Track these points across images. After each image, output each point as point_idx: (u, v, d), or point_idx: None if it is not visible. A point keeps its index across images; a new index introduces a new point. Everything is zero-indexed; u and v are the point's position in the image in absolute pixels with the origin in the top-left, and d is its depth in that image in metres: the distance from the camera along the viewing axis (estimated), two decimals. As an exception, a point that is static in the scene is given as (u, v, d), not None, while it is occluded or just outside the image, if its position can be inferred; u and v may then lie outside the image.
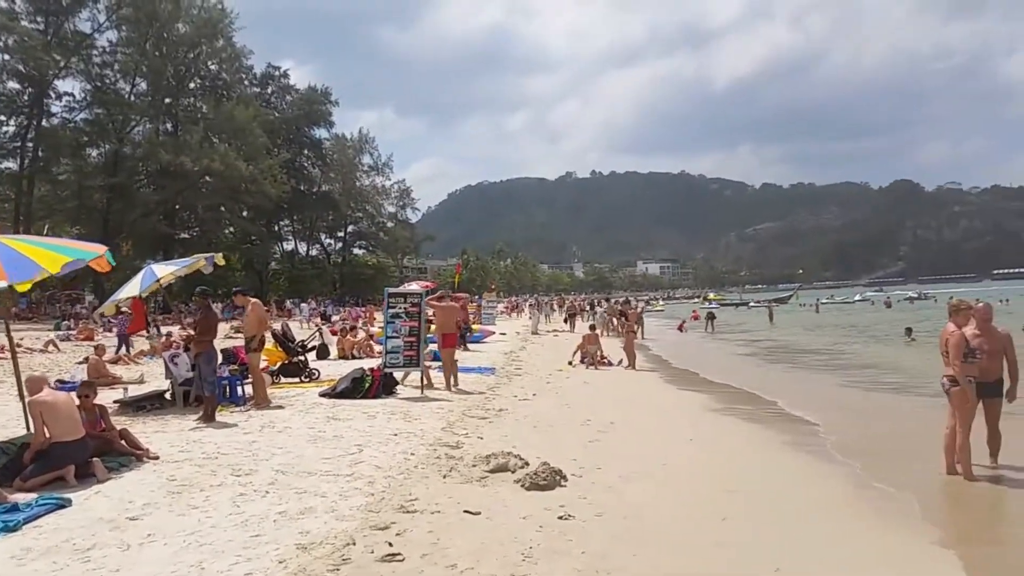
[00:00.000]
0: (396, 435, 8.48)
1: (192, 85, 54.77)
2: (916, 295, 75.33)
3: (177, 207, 52.71)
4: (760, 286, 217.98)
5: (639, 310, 30.10)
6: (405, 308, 12.08)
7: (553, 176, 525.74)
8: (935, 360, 7.90)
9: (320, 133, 72.27)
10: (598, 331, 20.66)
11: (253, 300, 11.23)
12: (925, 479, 7.33)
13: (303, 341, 15.75)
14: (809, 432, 9.86)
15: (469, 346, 21.99)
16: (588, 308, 50.50)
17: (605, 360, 18.74)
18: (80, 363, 15.72)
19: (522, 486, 6.34)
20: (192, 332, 10.68)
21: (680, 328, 38.73)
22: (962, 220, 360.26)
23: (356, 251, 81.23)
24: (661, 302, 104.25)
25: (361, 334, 20.91)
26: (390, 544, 4.81)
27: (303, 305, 46.15)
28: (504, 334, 29.30)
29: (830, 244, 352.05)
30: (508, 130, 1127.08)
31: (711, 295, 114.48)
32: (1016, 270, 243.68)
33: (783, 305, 70.44)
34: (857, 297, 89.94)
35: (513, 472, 6.74)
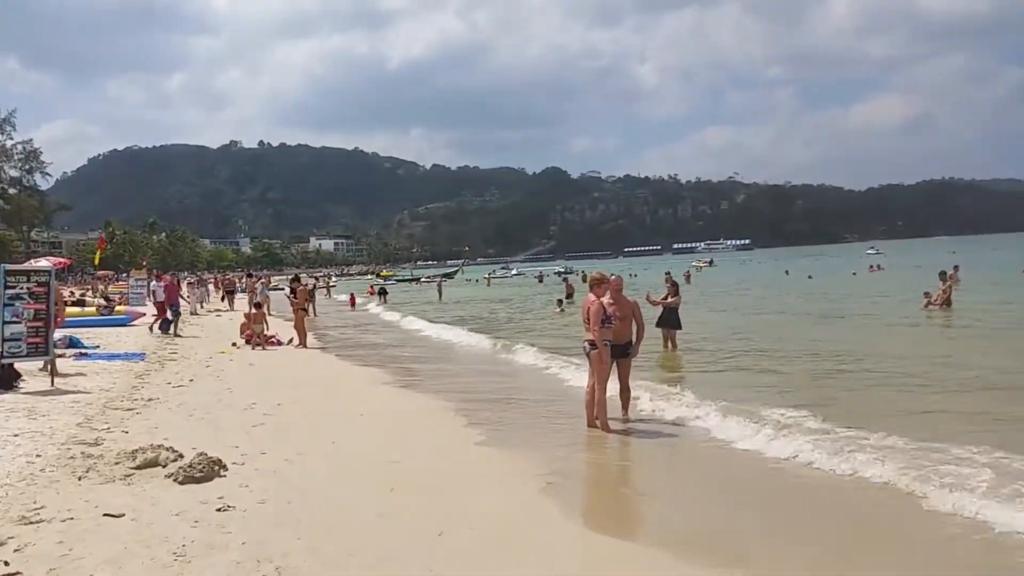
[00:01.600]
0: (17, 436, 7.26)
1: None
2: (563, 270, 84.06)
3: None
4: (431, 262, 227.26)
5: (309, 286, 29.45)
6: (29, 288, 10.34)
7: (216, 144, 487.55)
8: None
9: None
10: (264, 309, 19.83)
11: None
12: (566, 434, 8.25)
13: None
14: (464, 400, 10.42)
15: (110, 331, 19.69)
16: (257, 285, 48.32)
17: (273, 339, 18.07)
18: None
19: (175, 480, 5.85)
20: None
21: (351, 303, 38.85)
22: (600, 205, 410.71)
23: (-32, 222, 68.33)
24: (334, 278, 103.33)
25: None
26: (6, 563, 4.13)
27: None
28: (156, 315, 26.71)
29: (492, 224, 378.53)
30: (164, 92, 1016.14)
31: (384, 271, 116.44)
32: (642, 248, 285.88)
33: (451, 280, 74.19)
34: (514, 272, 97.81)
35: (164, 466, 6.19)
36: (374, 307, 37.17)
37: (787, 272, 55.54)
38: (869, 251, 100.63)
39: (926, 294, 21.25)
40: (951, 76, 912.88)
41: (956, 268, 22.64)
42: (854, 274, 49.00)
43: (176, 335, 19.55)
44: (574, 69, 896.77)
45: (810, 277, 47.48)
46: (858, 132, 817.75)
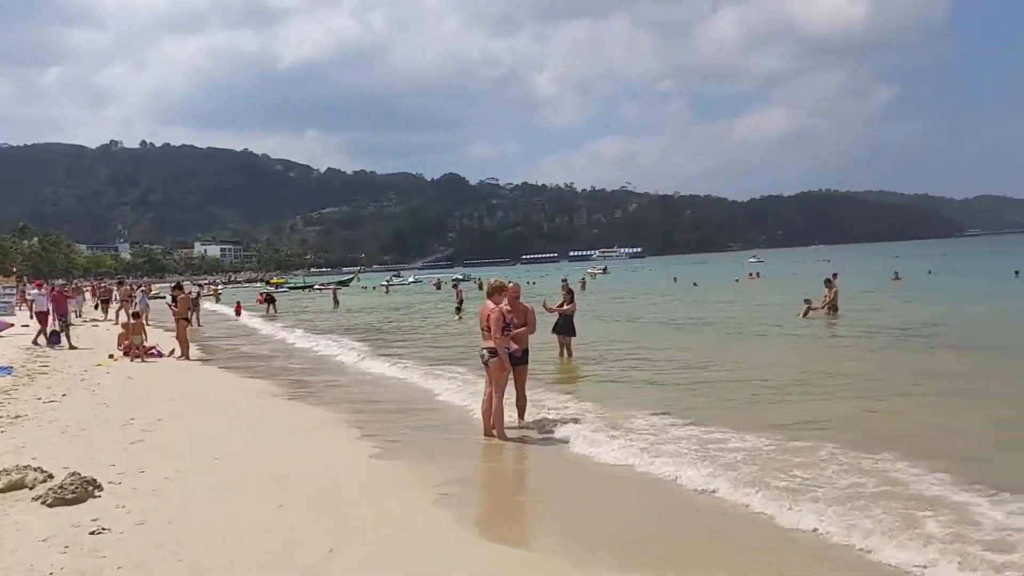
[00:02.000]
0: None
1: None
2: (461, 277, 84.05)
3: None
4: (325, 269, 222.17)
5: (193, 294, 28.24)
6: None
7: (94, 144, 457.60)
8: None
9: None
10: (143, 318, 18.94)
11: None
12: (462, 444, 8.29)
13: None
14: (355, 412, 10.29)
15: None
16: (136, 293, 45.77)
17: (153, 351, 17.26)
18: None
19: (43, 503, 5.54)
20: None
21: (237, 312, 37.49)
22: (499, 212, 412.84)
23: None
24: (220, 285, 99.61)
25: None
26: None
27: None
28: (27, 326, 25.04)
29: (389, 230, 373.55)
30: (38, 87, 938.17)
31: (274, 278, 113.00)
32: (540, 255, 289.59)
33: (346, 288, 72.81)
34: (411, 279, 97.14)
35: (32, 488, 5.85)
36: (262, 317, 35.93)
37: (675, 279, 57.57)
38: (751, 259, 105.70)
39: (806, 301, 21.93)
40: (829, 92, 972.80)
41: (835, 276, 23.98)
42: (736, 281, 51.37)
43: (72, 346, 18.90)
44: (473, 76, 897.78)
45: (695, 284, 49.47)
46: (742, 145, 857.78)
